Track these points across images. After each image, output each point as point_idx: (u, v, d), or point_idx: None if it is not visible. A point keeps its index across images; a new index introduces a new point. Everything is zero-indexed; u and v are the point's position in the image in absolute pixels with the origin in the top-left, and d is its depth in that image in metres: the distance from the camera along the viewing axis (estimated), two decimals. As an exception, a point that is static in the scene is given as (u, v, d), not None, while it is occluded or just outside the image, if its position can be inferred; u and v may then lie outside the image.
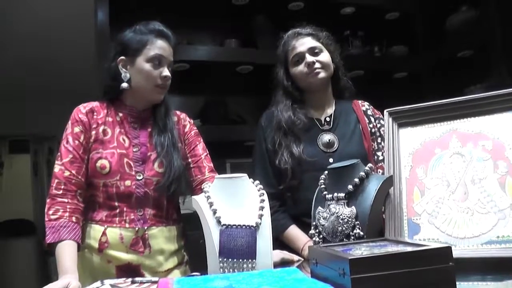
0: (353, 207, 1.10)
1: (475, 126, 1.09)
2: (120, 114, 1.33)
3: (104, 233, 1.23)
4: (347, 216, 1.09)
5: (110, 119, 1.32)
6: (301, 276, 0.85)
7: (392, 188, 1.13)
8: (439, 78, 2.74)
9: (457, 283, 0.71)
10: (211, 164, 1.39)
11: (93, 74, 2.03)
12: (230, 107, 2.65)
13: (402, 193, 1.12)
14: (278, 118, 1.47)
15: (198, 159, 1.37)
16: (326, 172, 1.23)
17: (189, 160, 1.38)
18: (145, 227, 1.25)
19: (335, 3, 2.72)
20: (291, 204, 1.45)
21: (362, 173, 1.13)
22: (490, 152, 1.04)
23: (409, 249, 0.76)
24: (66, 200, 1.20)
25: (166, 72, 1.29)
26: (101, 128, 1.29)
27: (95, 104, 1.34)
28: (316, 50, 1.47)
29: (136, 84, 1.30)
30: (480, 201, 1.00)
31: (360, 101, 1.56)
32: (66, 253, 1.13)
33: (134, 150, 1.29)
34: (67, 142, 1.26)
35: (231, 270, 0.98)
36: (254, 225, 1.02)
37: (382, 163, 1.38)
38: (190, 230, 1.39)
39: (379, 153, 1.44)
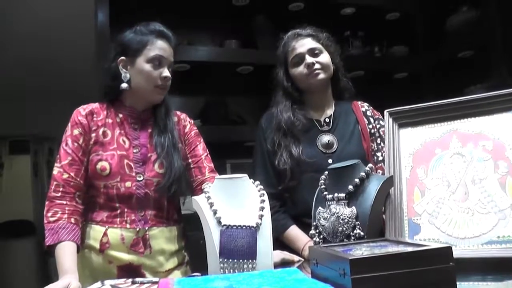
0: (353, 207, 1.10)
1: (475, 126, 1.09)
2: (120, 115, 1.33)
3: (105, 234, 1.23)
4: (347, 217, 1.09)
5: (110, 120, 1.31)
6: (301, 277, 0.85)
7: (392, 188, 1.13)
8: (440, 79, 2.73)
9: (457, 283, 0.71)
10: (212, 164, 1.39)
11: (93, 75, 2.03)
12: (230, 108, 2.65)
13: (402, 193, 1.12)
14: (278, 119, 1.47)
15: (198, 160, 1.37)
16: (327, 172, 1.23)
17: (189, 160, 1.38)
18: (146, 228, 1.25)
19: (335, 4, 2.72)
20: (290, 204, 1.45)
21: (363, 174, 1.13)
22: (490, 152, 1.04)
23: (410, 249, 0.76)
24: (64, 202, 1.20)
25: (166, 72, 1.29)
26: (101, 130, 1.29)
27: (95, 105, 1.34)
28: (316, 51, 1.47)
29: (136, 85, 1.30)
30: (481, 201, 1.00)
31: (359, 102, 1.56)
32: (66, 254, 1.13)
33: (134, 151, 1.29)
34: (66, 144, 1.26)
35: (231, 270, 0.98)
36: (255, 225, 1.02)
37: (382, 163, 1.39)
38: (190, 231, 1.39)
39: (379, 154, 1.44)
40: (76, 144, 1.26)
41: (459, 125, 1.12)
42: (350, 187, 1.12)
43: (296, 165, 1.41)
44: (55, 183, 1.22)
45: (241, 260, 0.98)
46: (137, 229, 1.24)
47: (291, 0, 2.60)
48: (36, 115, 4.24)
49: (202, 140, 1.42)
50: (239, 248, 0.99)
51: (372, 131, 1.48)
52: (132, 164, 1.27)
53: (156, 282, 0.98)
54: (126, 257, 1.23)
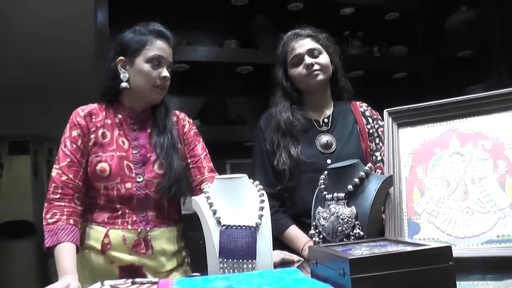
0: (353, 207, 1.10)
1: (474, 126, 1.09)
2: (119, 116, 1.33)
3: (106, 235, 1.23)
4: (347, 216, 1.09)
5: (109, 121, 1.31)
6: (301, 276, 0.85)
7: (392, 188, 1.13)
8: (439, 78, 2.74)
9: (457, 282, 0.71)
10: (211, 164, 1.39)
11: (93, 75, 2.03)
12: (229, 108, 2.65)
13: (402, 193, 1.12)
14: (277, 119, 1.47)
15: (197, 159, 1.37)
16: (326, 172, 1.23)
17: (189, 160, 1.37)
18: (148, 229, 1.25)
19: (334, 4, 2.72)
20: (289, 204, 1.45)
21: (362, 173, 1.13)
22: (489, 152, 1.04)
23: (409, 248, 0.76)
24: (63, 204, 1.20)
25: (165, 72, 1.29)
26: (100, 131, 1.29)
27: (93, 106, 1.33)
28: (315, 52, 1.47)
29: (135, 85, 1.29)
30: (480, 201, 1.00)
31: (358, 102, 1.56)
32: (65, 255, 1.13)
33: (134, 152, 1.29)
34: (65, 146, 1.26)
35: (231, 270, 0.98)
36: (254, 225, 1.02)
37: (380, 163, 1.39)
38: (190, 231, 1.39)
39: (377, 154, 1.44)
40: (74, 145, 1.26)
41: (458, 124, 1.12)
42: (350, 186, 1.12)
43: (295, 165, 1.41)
44: (53, 185, 1.22)
45: (240, 260, 0.98)
46: (139, 230, 1.25)
47: (291, 0, 2.60)
48: (36, 115, 4.24)
49: (201, 139, 1.42)
50: (239, 248, 0.99)
51: (371, 131, 1.48)
52: (131, 165, 1.27)
53: (156, 282, 0.98)
54: (128, 257, 1.23)
